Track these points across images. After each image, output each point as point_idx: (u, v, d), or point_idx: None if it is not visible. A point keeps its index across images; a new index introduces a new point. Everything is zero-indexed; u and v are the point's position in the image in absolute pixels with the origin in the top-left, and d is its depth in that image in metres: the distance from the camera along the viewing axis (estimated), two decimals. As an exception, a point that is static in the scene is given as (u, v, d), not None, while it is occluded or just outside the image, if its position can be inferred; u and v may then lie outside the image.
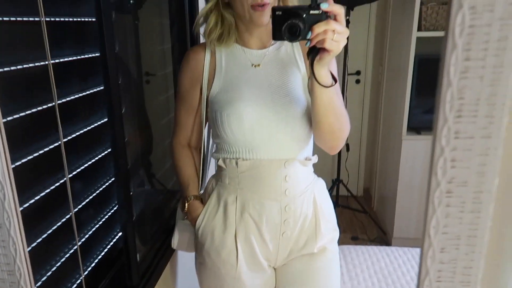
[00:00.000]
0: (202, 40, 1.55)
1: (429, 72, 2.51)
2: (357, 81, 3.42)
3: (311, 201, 1.03)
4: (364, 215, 3.18)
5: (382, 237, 2.98)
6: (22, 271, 0.53)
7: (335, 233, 1.09)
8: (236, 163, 0.98)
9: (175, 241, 1.16)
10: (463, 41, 0.34)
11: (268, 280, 1.07)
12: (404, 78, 2.57)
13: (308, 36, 0.79)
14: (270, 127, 0.96)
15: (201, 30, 1.05)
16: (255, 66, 0.99)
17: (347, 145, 3.23)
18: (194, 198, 1.08)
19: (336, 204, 3.02)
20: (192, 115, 1.08)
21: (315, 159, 1.06)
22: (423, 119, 2.63)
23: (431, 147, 0.37)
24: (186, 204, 1.08)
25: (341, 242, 2.93)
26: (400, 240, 2.79)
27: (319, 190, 1.07)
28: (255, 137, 0.96)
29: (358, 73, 3.40)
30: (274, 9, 0.80)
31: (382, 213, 3.13)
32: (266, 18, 0.93)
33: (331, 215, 1.08)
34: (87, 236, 0.91)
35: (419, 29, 2.44)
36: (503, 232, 0.43)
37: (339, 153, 3.07)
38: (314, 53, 0.81)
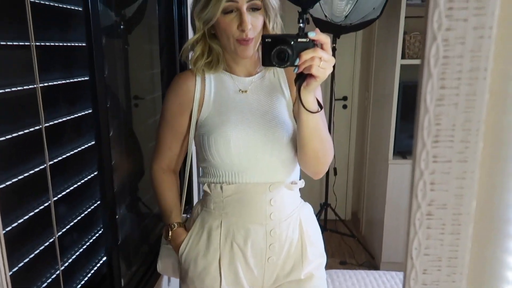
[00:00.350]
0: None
1: (413, 98, 2.56)
2: (344, 106, 3.48)
3: (297, 225, 1.03)
4: (352, 239, 3.17)
5: (371, 262, 2.96)
6: (3, 296, 0.52)
7: (322, 259, 1.08)
8: (221, 188, 0.99)
9: (159, 266, 1.15)
10: (438, 71, 0.36)
11: None
12: (389, 104, 2.63)
13: (296, 63, 0.82)
14: (256, 151, 0.97)
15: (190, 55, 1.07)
16: (242, 92, 1.02)
17: (334, 169, 3.25)
18: (177, 226, 1.07)
19: (324, 228, 3.01)
20: (177, 139, 1.08)
21: (301, 183, 1.06)
22: (409, 143, 2.67)
23: (411, 170, 0.38)
24: (170, 232, 1.06)
25: (329, 266, 2.90)
26: (388, 264, 2.78)
27: (306, 215, 1.07)
28: (242, 160, 0.97)
29: (345, 98, 3.46)
30: (263, 37, 0.84)
31: (370, 237, 3.13)
32: (250, 51, 0.96)
33: (318, 241, 1.08)
34: (70, 260, 0.89)
35: (403, 57, 2.52)
36: (483, 253, 0.44)
37: (327, 177, 3.09)
38: (301, 79, 0.84)
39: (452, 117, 0.37)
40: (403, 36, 2.49)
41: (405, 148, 2.67)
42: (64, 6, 0.86)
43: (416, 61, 2.55)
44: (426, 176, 0.38)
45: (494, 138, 0.41)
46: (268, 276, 1.02)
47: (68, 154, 0.87)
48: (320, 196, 3.34)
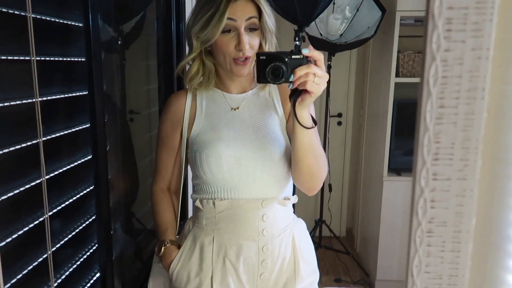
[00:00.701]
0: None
1: (407, 116, 2.60)
2: (339, 123, 3.50)
3: (290, 241, 1.03)
4: (347, 256, 3.15)
5: (365, 279, 2.94)
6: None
7: (315, 275, 1.08)
8: (214, 203, 0.99)
9: (150, 285, 1.12)
10: (437, 90, 0.37)
11: None
12: (384, 121, 2.66)
13: (291, 79, 0.82)
14: (248, 167, 0.97)
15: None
16: (234, 109, 1.03)
17: (329, 186, 3.25)
18: (170, 243, 1.06)
19: (319, 245, 2.99)
20: (173, 157, 1.09)
21: (294, 199, 1.06)
22: (403, 160, 2.69)
23: (412, 188, 0.39)
24: (163, 249, 1.05)
25: (324, 284, 2.88)
26: (383, 282, 2.76)
27: (299, 231, 1.07)
28: (233, 176, 0.97)
29: (339, 115, 3.49)
30: (258, 54, 0.84)
31: (365, 254, 3.11)
32: (246, 70, 0.97)
33: (311, 257, 1.08)
34: (63, 277, 0.87)
35: (397, 75, 2.56)
36: (483, 271, 0.44)
37: (322, 194, 3.08)
38: (296, 95, 0.85)
39: (451, 135, 0.37)
40: (397, 54, 2.53)
41: (399, 165, 2.69)
42: (65, 21, 0.87)
43: (410, 79, 2.59)
44: (427, 193, 0.38)
45: (493, 156, 0.42)
46: None
47: (64, 169, 0.86)
48: (315, 213, 3.33)
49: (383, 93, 2.68)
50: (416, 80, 2.55)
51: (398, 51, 2.54)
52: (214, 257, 0.99)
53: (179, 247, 1.06)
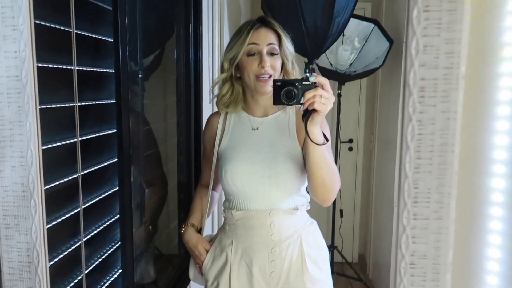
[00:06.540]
0: (205, 112, 1.69)
1: (416, 143, 2.65)
2: (350, 149, 3.56)
3: (298, 244, 1.15)
4: (359, 283, 3.14)
5: (379, 307, 2.92)
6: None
7: (328, 282, 1.23)
8: (232, 213, 1.17)
9: (191, 273, 1.31)
10: (414, 145, 0.45)
11: None
12: (393, 147, 2.71)
13: (301, 101, 0.97)
14: (257, 182, 1.13)
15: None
16: (254, 129, 1.20)
17: (341, 211, 3.28)
18: (191, 225, 1.26)
19: (331, 271, 3.00)
20: (210, 167, 1.28)
21: (304, 207, 1.20)
22: (413, 187, 2.71)
23: (395, 226, 0.46)
24: (184, 228, 1.26)
25: (337, 311, 2.87)
26: (396, 310, 2.74)
27: (307, 235, 1.19)
28: (246, 190, 1.14)
29: (350, 141, 3.56)
30: (274, 81, 1.00)
31: (378, 281, 3.10)
32: (268, 88, 1.13)
33: (319, 257, 1.20)
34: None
35: (405, 103, 2.63)
36: (463, 299, 0.50)
37: (333, 219, 3.11)
38: (307, 115, 0.99)
39: (428, 182, 0.45)
40: (405, 84, 2.61)
41: (410, 191, 2.71)
42: (99, 70, 0.99)
43: (418, 108, 2.65)
44: (408, 230, 0.45)
45: (466, 198, 0.49)
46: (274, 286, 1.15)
47: (93, 201, 0.95)
48: (327, 238, 3.34)
49: (392, 119, 2.74)
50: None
51: (406, 80, 2.61)
52: (233, 256, 1.16)
53: (197, 230, 1.26)
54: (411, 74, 0.43)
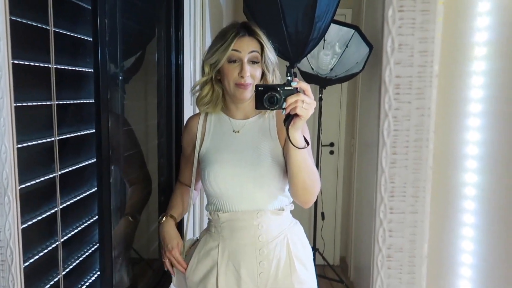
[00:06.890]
0: (186, 114, 1.68)
1: (395, 146, 2.70)
2: (331, 152, 3.60)
3: (285, 244, 1.16)
4: (341, 285, 3.16)
5: (360, 308, 2.95)
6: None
7: (313, 283, 1.21)
8: (218, 215, 1.16)
9: (174, 281, 1.29)
10: (390, 141, 0.46)
11: None
12: (374, 150, 2.76)
13: (284, 106, 0.98)
14: (242, 183, 1.14)
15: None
16: (236, 132, 1.20)
17: (322, 214, 3.31)
18: (170, 217, 1.26)
19: (313, 274, 3.01)
20: (187, 163, 1.30)
21: (288, 208, 1.21)
22: (393, 189, 2.77)
23: (372, 220, 0.47)
24: (164, 218, 1.25)
25: (318, 313, 2.88)
26: (377, 311, 2.77)
27: (294, 235, 1.20)
28: (230, 192, 1.14)
29: (331, 144, 3.60)
30: (257, 86, 1.02)
31: (359, 283, 3.13)
32: (247, 95, 1.14)
33: (306, 258, 1.21)
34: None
35: (384, 107, 2.68)
36: (438, 291, 0.52)
37: (315, 222, 3.14)
38: (289, 120, 1.00)
39: (404, 177, 0.46)
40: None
41: (389, 193, 2.76)
42: (78, 69, 0.97)
43: (397, 111, 2.71)
44: (385, 224, 0.46)
45: (441, 192, 0.50)
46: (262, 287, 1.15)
47: (71, 202, 0.94)
48: (309, 241, 3.37)
49: (373, 123, 2.79)
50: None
51: (385, 85, 2.67)
52: (219, 259, 1.15)
53: (176, 223, 1.25)
54: (387, 71, 0.45)
